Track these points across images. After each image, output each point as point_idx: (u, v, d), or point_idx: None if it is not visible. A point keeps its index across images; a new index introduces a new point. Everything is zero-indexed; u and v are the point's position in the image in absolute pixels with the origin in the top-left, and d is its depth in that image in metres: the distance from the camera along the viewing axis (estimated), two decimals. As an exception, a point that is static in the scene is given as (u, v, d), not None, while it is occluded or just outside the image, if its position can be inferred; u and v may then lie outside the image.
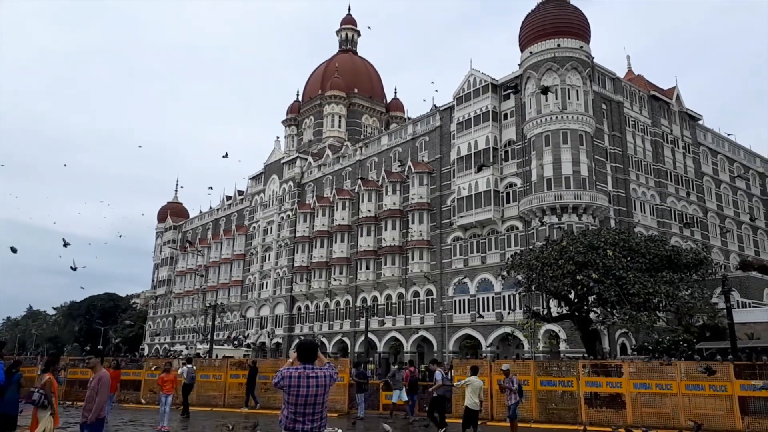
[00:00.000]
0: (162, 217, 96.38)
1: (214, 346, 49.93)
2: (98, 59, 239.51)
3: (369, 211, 57.06)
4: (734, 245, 55.22)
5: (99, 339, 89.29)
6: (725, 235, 54.52)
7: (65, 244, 26.28)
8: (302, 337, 58.38)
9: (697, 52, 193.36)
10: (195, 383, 21.70)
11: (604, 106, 47.19)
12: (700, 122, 56.81)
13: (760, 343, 35.26)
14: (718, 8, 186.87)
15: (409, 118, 66.21)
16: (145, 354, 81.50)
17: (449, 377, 19.76)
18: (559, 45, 44.43)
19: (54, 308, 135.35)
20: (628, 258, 24.74)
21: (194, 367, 21.68)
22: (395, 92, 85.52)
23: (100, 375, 9.06)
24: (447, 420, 17.15)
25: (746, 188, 59.63)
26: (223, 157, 35.95)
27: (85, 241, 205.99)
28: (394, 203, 54.60)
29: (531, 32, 46.01)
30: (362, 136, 74.20)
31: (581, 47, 44.96)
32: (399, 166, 56.03)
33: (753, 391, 16.39)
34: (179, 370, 20.95)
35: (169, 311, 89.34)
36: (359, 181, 59.03)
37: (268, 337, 64.48)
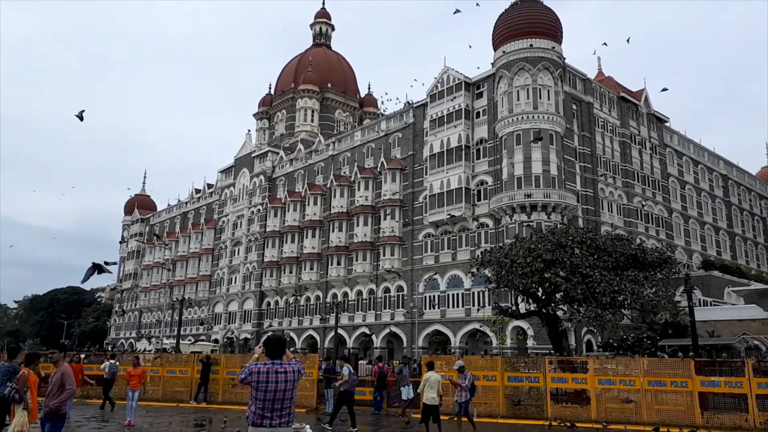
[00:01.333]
0: (129, 209, 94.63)
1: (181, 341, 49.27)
2: (63, 46, 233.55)
3: (341, 206, 56.92)
4: (697, 245, 56.67)
5: (62, 333, 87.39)
6: (688, 234, 55.95)
7: None
8: (271, 333, 58.06)
9: (665, 57, 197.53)
10: (116, 378, 21.38)
11: (574, 107, 47.88)
12: (667, 124, 58.08)
13: (720, 340, 36.33)
14: (687, 15, 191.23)
15: (382, 114, 66.18)
16: (110, 348, 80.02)
17: (417, 372, 19.84)
18: (531, 45, 44.88)
19: (16, 301, 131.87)
20: (595, 256, 25.15)
21: (117, 363, 21.42)
22: (369, 88, 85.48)
23: (63, 369, 8.93)
24: (414, 415, 17.10)
25: (710, 190, 61.24)
26: (78, 116, 27.99)
27: (48, 233, 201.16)
28: (366, 199, 54.56)
29: (504, 32, 46.39)
30: (335, 131, 73.93)
31: (553, 48, 45.51)
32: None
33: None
34: (102, 365, 20.86)
35: (136, 305, 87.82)
36: (331, 176, 58.84)
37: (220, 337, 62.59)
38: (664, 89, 43.08)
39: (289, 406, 5.78)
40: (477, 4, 39.25)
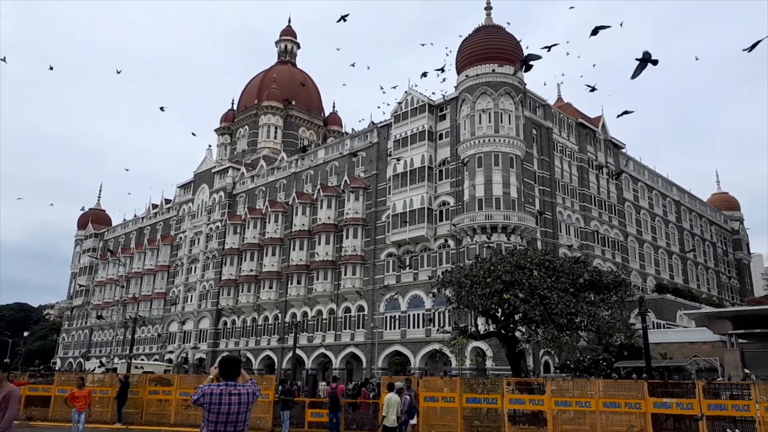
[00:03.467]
0: (83, 223, 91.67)
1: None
2: (15, 53, 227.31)
3: (302, 224, 56.42)
4: (651, 269, 58.17)
5: (6, 351, 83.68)
6: (643, 258, 57.43)
7: None
8: (226, 353, 56.75)
9: (622, 85, 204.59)
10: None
11: (534, 131, 48.90)
12: (623, 151, 59.81)
13: (672, 362, 37.17)
14: (639, 49, 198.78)
15: (346, 133, 66.25)
16: (57, 368, 76.92)
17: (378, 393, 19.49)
18: (493, 70, 45.77)
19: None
20: (553, 278, 25.45)
21: None
22: (333, 106, 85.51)
23: (9, 390, 8.40)
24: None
25: (663, 215, 63.16)
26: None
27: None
28: (329, 217, 54.24)
29: (467, 56, 47.22)
30: (298, 149, 73.56)
31: (514, 73, 46.46)
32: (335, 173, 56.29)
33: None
34: None
35: (86, 323, 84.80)
36: (294, 193, 58.38)
37: (101, 365, 53.11)
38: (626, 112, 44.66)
39: (242, 429, 5.62)
40: (368, 67, 40.83)
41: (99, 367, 51.86)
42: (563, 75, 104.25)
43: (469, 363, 41.26)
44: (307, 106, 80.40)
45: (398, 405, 13.95)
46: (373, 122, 56.01)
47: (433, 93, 49.02)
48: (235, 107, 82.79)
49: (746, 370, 30.95)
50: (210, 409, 5.53)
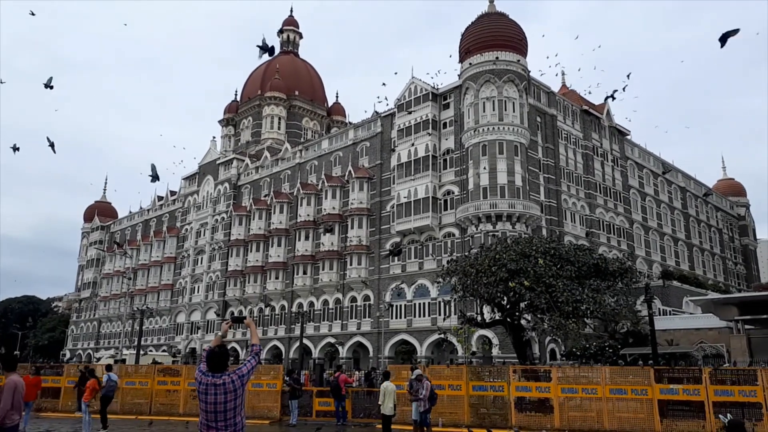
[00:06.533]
0: (89, 216, 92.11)
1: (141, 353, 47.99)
2: (20, 48, 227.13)
3: (308, 215, 56.52)
4: (657, 255, 58.05)
5: (16, 344, 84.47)
6: (649, 245, 57.33)
7: None
8: (231, 343, 57.09)
9: (625, 73, 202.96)
10: None
11: (538, 119, 48.69)
12: (628, 137, 59.52)
13: (678, 349, 37.21)
14: (643, 36, 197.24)
15: (350, 123, 66.10)
16: (66, 360, 77.65)
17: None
18: (497, 58, 45.52)
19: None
20: (558, 266, 25.42)
21: None
22: (337, 96, 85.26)
23: (14, 381, 8.47)
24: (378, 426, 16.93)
25: (669, 202, 62.93)
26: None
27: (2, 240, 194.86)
28: (334, 208, 54.32)
29: (471, 44, 46.96)
30: (302, 139, 73.52)
31: (518, 60, 46.23)
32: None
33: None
34: None
35: (94, 315, 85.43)
36: (298, 184, 58.43)
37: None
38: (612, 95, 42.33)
39: (233, 416, 5.72)
40: (384, 84, 38.94)
41: (110, 357, 52.32)
42: (557, 63, 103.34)
43: (476, 350, 41.39)
44: (310, 96, 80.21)
45: (394, 393, 14.10)
46: (376, 111, 55.87)
47: (441, 81, 48.61)
48: (238, 98, 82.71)
49: None
50: (200, 398, 5.77)
